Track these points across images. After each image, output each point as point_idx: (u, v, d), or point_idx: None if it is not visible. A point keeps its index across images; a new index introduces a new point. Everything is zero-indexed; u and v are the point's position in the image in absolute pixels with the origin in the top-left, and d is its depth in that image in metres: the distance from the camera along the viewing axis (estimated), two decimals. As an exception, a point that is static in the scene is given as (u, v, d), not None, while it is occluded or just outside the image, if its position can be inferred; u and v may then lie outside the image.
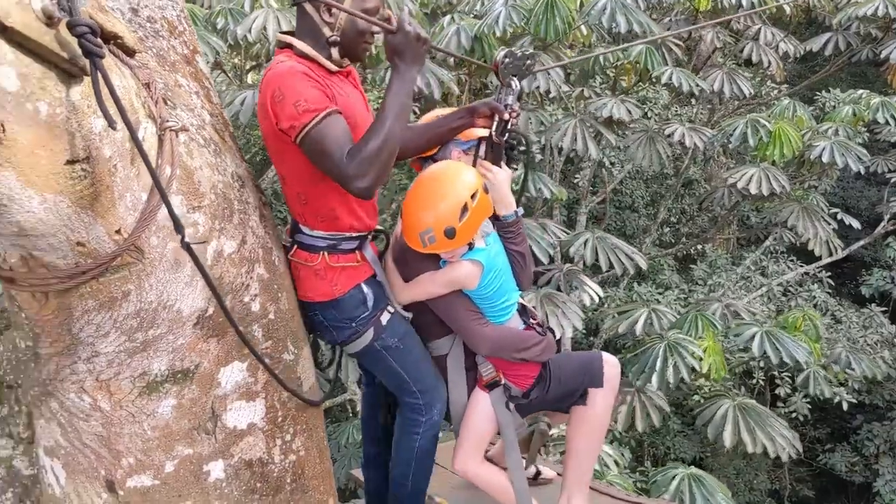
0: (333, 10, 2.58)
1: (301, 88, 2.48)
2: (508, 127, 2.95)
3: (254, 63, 9.64)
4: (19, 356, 2.51)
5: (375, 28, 2.60)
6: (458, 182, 2.80)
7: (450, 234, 2.75)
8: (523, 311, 3.15)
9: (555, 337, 3.20)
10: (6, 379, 2.68)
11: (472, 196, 2.77)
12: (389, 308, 2.90)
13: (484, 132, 3.00)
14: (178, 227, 2.07)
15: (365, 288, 2.83)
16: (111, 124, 1.80)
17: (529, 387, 3.13)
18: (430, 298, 2.96)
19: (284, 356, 2.70)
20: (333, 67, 2.66)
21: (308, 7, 2.62)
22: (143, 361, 2.32)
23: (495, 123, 2.94)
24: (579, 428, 3.18)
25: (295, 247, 2.82)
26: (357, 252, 2.83)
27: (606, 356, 3.19)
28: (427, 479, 3.21)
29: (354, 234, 2.80)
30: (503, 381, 3.09)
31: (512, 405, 3.11)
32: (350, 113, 2.58)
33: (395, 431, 3.16)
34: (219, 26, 7.20)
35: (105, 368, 2.30)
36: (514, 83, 2.97)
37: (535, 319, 3.17)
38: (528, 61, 3.00)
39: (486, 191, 2.83)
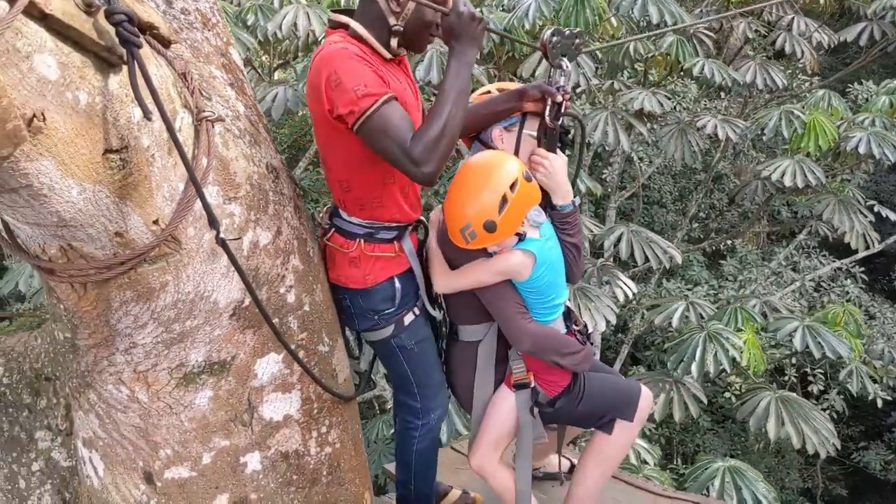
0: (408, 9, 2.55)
1: (360, 72, 2.42)
2: (562, 110, 2.80)
3: (281, 61, 9.67)
4: (57, 348, 2.52)
5: (438, 19, 2.56)
6: (495, 173, 2.67)
7: (490, 227, 2.63)
8: (567, 315, 3.04)
9: (591, 341, 3.11)
10: (44, 371, 2.70)
11: (512, 186, 2.63)
12: (415, 309, 2.87)
13: (528, 107, 2.89)
14: (213, 222, 2.05)
15: (397, 283, 2.79)
16: (147, 114, 1.79)
17: (558, 395, 3.00)
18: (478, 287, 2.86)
19: (320, 347, 2.69)
20: (388, 55, 2.61)
21: None
22: (180, 353, 2.33)
23: (548, 107, 2.80)
24: (596, 456, 3.07)
25: (332, 230, 2.79)
26: (395, 243, 2.78)
27: (645, 390, 3.07)
28: (430, 483, 3.16)
29: (394, 224, 2.76)
30: (533, 384, 2.98)
31: (536, 410, 3.00)
32: (402, 100, 2.51)
33: (396, 437, 3.14)
34: (249, 23, 7.23)
35: (143, 360, 2.30)
36: (565, 63, 2.81)
37: (577, 326, 3.06)
38: (577, 40, 2.85)
39: (527, 179, 2.68)
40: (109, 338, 2.25)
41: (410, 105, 2.63)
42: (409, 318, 2.85)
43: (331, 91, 2.43)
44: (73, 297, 2.15)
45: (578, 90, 8.90)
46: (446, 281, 2.86)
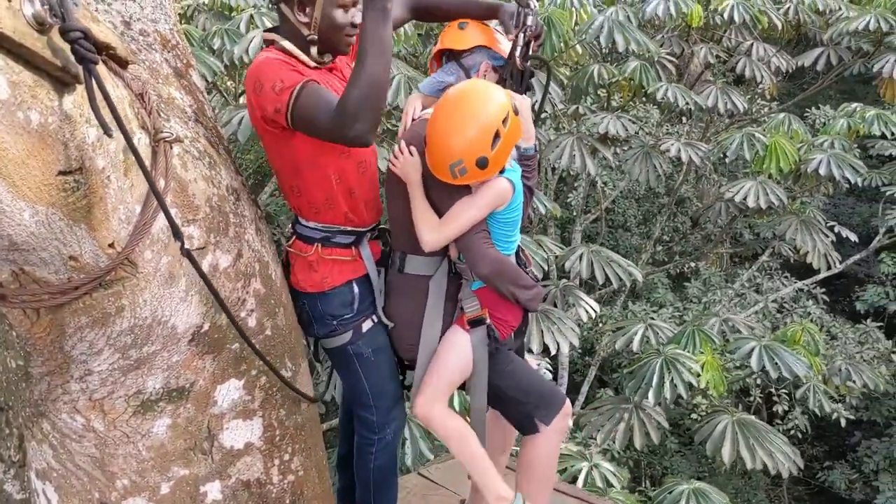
0: (307, 9, 2.57)
1: (276, 72, 2.48)
2: (529, 52, 2.72)
3: (246, 85, 9.62)
4: (10, 377, 2.44)
5: (354, 19, 2.57)
6: (488, 105, 2.54)
7: (482, 164, 2.53)
8: (518, 254, 2.92)
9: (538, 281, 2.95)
10: (-4, 400, 2.62)
11: (504, 121, 2.53)
12: (374, 317, 2.85)
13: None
14: (177, 234, 2.02)
15: (356, 288, 2.79)
16: (107, 131, 1.75)
17: (508, 337, 2.89)
18: (443, 206, 2.68)
19: (282, 372, 2.63)
20: (312, 63, 2.63)
21: (284, 8, 2.60)
22: (137, 380, 2.27)
23: (518, 48, 2.70)
24: (526, 472, 2.92)
25: (294, 237, 2.83)
26: (353, 248, 2.79)
27: (567, 404, 2.95)
28: (391, 500, 3.09)
29: (350, 228, 2.77)
30: (488, 321, 2.81)
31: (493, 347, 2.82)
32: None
33: (354, 454, 3.06)
34: (215, 47, 7.18)
35: (98, 387, 2.24)
36: (532, 2, 2.71)
37: (529, 266, 2.96)
38: None
39: (516, 113, 2.58)
40: (64, 365, 2.19)
41: None
42: (367, 325, 2.83)
43: (257, 97, 2.50)
44: (26, 323, 2.08)
45: (543, 116, 8.97)
46: (438, 235, 2.67)
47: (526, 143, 2.79)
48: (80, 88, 1.80)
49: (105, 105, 1.74)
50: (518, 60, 2.71)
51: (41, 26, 1.63)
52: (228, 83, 9.19)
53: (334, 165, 2.65)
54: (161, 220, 2.11)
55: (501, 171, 2.64)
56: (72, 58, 1.70)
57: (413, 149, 2.66)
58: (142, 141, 2.05)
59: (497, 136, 2.52)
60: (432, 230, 2.66)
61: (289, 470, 2.66)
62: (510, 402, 2.94)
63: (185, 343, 2.31)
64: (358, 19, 2.56)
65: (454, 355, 2.81)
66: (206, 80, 6.75)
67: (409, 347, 2.86)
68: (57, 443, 2.34)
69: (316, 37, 2.60)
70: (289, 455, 2.66)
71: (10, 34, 1.56)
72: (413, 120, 2.85)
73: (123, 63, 2.09)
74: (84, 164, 1.82)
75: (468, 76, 2.80)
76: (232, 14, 8.15)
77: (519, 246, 2.91)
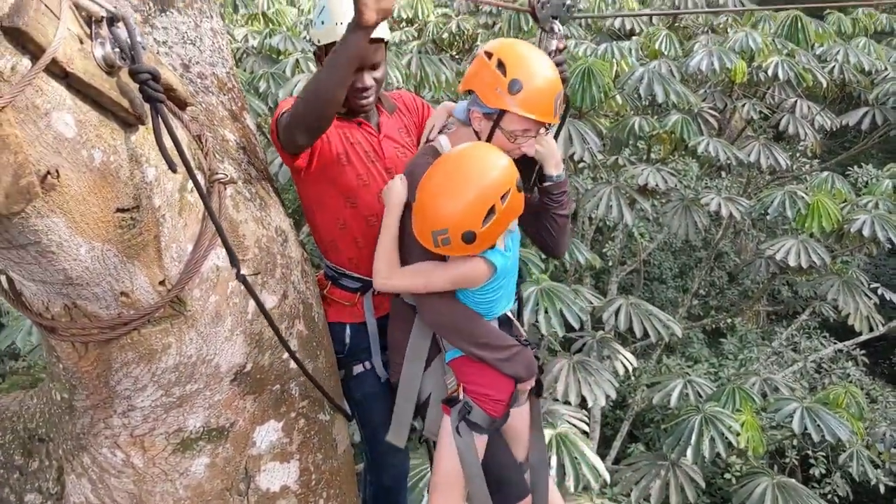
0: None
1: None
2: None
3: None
4: (53, 409, 2.46)
5: (365, 83, 2.65)
6: (488, 175, 2.27)
7: (468, 238, 2.27)
8: (507, 324, 2.64)
9: (533, 349, 2.63)
10: (38, 432, 2.63)
11: (503, 196, 2.27)
12: (367, 363, 2.88)
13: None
14: (234, 261, 2.05)
15: (348, 330, 2.86)
16: (171, 167, 1.80)
17: (500, 416, 2.57)
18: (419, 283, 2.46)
19: (320, 416, 2.63)
20: None
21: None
22: (178, 417, 2.27)
23: None
24: None
25: (322, 271, 2.95)
26: (356, 294, 2.85)
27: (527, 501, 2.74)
28: None
29: (356, 275, 2.81)
30: (462, 398, 2.51)
31: (465, 428, 2.53)
32: (346, 150, 2.72)
33: None
34: (261, 89, 7.33)
35: (140, 423, 2.25)
36: (557, 27, 2.58)
37: (518, 334, 2.66)
38: (569, 1, 2.60)
39: (519, 189, 2.32)
40: (108, 399, 2.20)
41: (356, 155, 2.74)
42: (357, 369, 2.88)
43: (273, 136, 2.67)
44: (74, 356, 2.10)
45: (581, 165, 8.99)
46: (387, 279, 2.47)
47: (556, 170, 2.59)
48: (143, 129, 1.84)
49: (171, 143, 1.78)
50: None
51: (110, 68, 1.68)
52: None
53: (339, 212, 2.76)
54: (210, 260, 2.14)
55: (491, 248, 2.39)
56: (137, 99, 1.75)
57: (403, 179, 2.50)
58: (198, 182, 2.08)
59: (492, 211, 2.25)
60: (385, 270, 2.47)
61: (323, 515, 2.64)
62: (498, 487, 2.68)
63: (228, 382, 2.31)
64: (366, 83, 2.65)
65: (444, 460, 2.56)
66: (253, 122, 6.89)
67: (395, 373, 2.68)
68: (96, 477, 2.35)
69: None
70: (323, 500, 2.63)
71: (81, 75, 1.60)
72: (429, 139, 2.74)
73: (183, 105, 2.14)
74: (141, 202, 1.86)
75: (466, 124, 2.62)
76: (279, 58, 8.33)
77: (508, 315, 2.65)
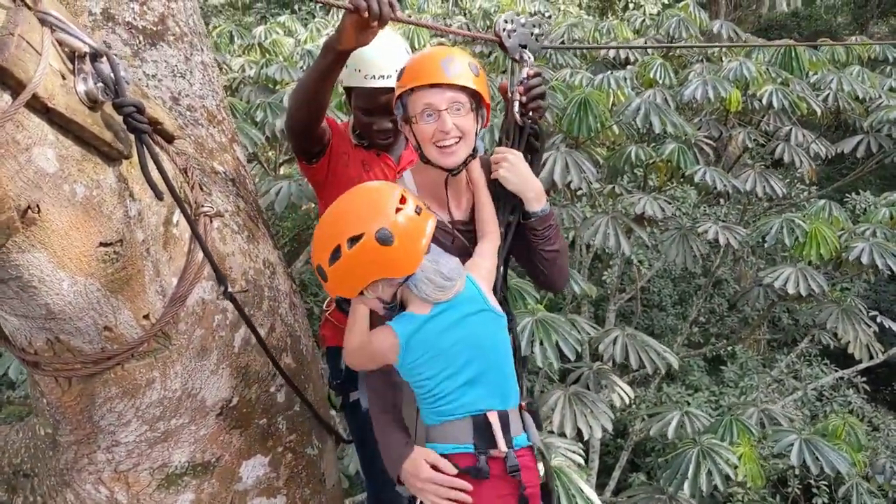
0: (352, 101, 2.86)
1: None
2: (527, 108, 2.39)
3: (287, 156, 9.82)
4: (38, 444, 2.44)
5: (382, 126, 2.83)
6: (348, 215, 2.02)
7: (320, 272, 2.03)
8: (483, 430, 2.11)
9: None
10: (23, 468, 2.60)
11: (353, 240, 1.95)
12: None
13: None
14: (221, 280, 2.05)
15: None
16: (158, 195, 1.81)
17: None
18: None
19: (308, 450, 2.60)
20: (354, 141, 2.94)
21: None
22: (163, 452, 2.25)
23: (514, 102, 2.39)
24: None
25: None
26: None
27: None
28: None
29: None
30: None
31: None
32: (360, 177, 2.83)
33: None
34: (258, 119, 7.35)
35: (124, 459, 2.22)
36: (526, 56, 2.45)
37: (496, 452, 2.11)
38: (535, 29, 2.48)
39: (382, 242, 1.93)
40: (91, 435, 2.18)
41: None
42: (354, 396, 2.87)
43: None
44: (57, 391, 2.08)
45: (579, 193, 8.99)
46: (351, 356, 2.24)
47: (537, 205, 2.35)
48: (126, 163, 1.84)
49: (157, 172, 1.79)
50: (517, 116, 2.40)
51: (93, 103, 1.67)
52: (269, 154, 9.38)
53: None
54: (196, 294, 2.12)
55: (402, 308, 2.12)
56: (120, 133, 1.75)
57: None
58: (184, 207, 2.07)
59: (336, 252, 1.96)
60: (351, 356, 2.24)
61: (311, 551, 2.60)
62: None
63: (214, 417, 2.29)
64: (383, 126, 2.83)
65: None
66: (248, 151, 6.90)
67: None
68: (79, 514, 2.31)
69: (355, 124, 2.94)
70: (312, 536, 2.60)
71: (62, 110, 1.60)
72: None
73: (170, 138, 2.14)
74: (125, 236, 1.85)
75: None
76: (276, 88, 8.37)
77: (488, 420, 2.12)
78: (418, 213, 2.00)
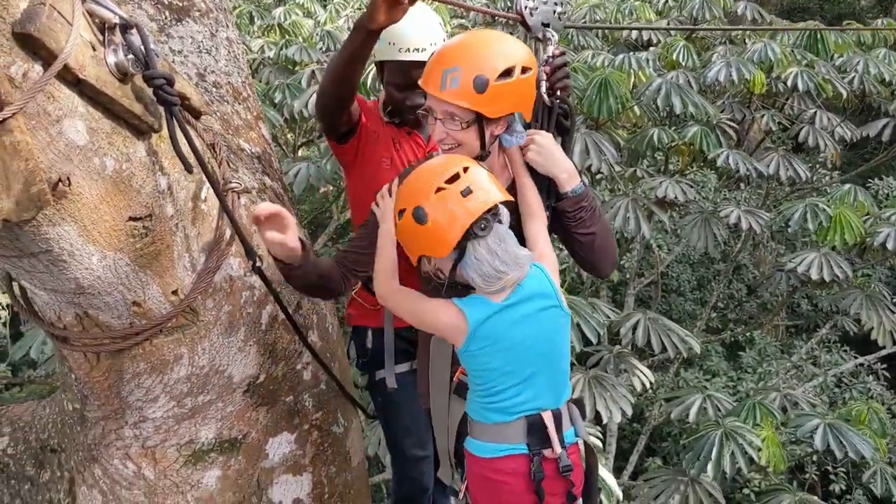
0: (385, 76, 2.78)
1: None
2: (556, 87, 2.31)
3: (306, 138, 9.82)
4: (65, 419, 2.45)
5: (415, 101, 2.63)
6: (407, 184, 2.02)
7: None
8: (537, 430, 2.03)
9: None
10: (51, 443, 2.61)
11: (401, 212, 1.96)
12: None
13: None
14: (251, 253, 2.04)
15: (370, 334, 2.82)
16: (188, 168, 1.79)
17: None
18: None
19: (334, 428, 2.59)
20: (384, 119, 2.84)
21: None
22: (190, 429, 2.25)
23: (542, 83, 2.27)
24: None
25: None
26: None
27: None
28: None
29: None
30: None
31: None
32: (391, 155, 2.79)
33: None
34: (276, 101, 7.34)
35: (152, 434, 2.22)
36: (550, 34, 2.38)
37: (549, 453, 2.04)
38: (558, 7, 2.41)
39: (420, 221, 1.91)
40: (119, 410, 2.18)
41: (403, 164, 2.76)
42: (379, 374, 2.82)
43: None
44: (86, 366, 2.08)
45: (598, 177, 8.92)
46: (385, 298, 2.13)
47: (569, 185, 2.22)
48: (155, 137, 1.83)
49: (187, 145, 1.77)
50: (544, 97, 2.29)
51: (123, 75, 1.66)
52: (288, 135, 9.38)
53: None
54: (224, 270, 2.11)
55: (466, 292, 2.02)
56: (150, 106, 1.74)
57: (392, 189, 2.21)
58: (211, 190, 2.06)
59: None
60: (385, 285, 2.12)
61: (336, 529, 2.60)
62: None
63: (241, 394, 2.28)
64: (416, 101, 2.62)
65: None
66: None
67: (424, 401, 2.39)
68: (107, 489, 2.32)
69: (387, 100, 2.83)
70: (336, 514, 2.60)
71: (93, 82, 1.59)
72: None
73: (197, 114, 2.12)
74: (154, 210, 1.84)
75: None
76: (296, 69, 8.35)
77: (542, 420, 2.05)
78: (465, 195, 1.90)
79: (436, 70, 2.07)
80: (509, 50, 2.08)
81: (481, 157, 2.17)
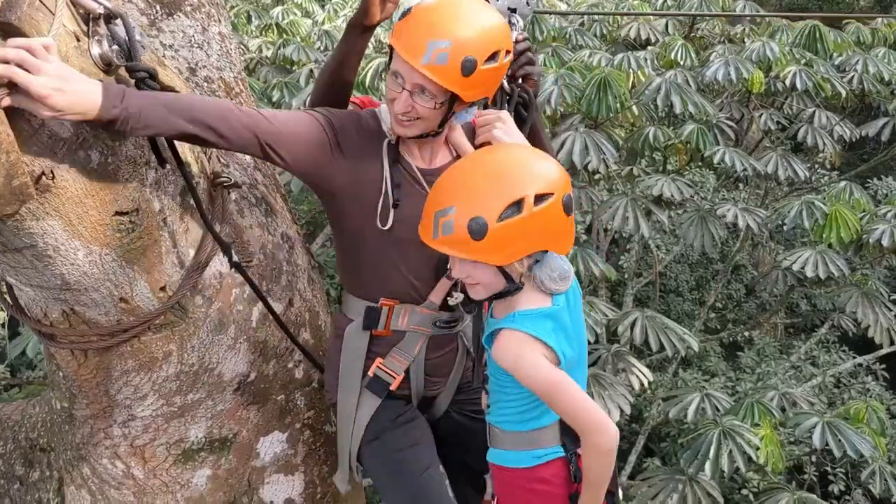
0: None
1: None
2: (516, 74, 2.25)
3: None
4: (54, 418, 2.42)
5: (398, 109, 2.17)
6: (528, 169, 1.83)
7: (477, 231, 1.73)
8: (570, 430, 1.89)
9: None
10: (40, 442, 2.59)
11: (540, 197, 1.75)
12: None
13: None
14: (225, 249, 2.01)
15: None
16: (161, 163, 1.80)
17: None
18: None
19: (326, 427, 2.57)
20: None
21: None
22: (180, 427, 2.22)
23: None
24: None
25: None
26: None
27: None
28: None
29: None
30: None
31: None
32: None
33: None
34: (274, 98, 7.31)
35: (141, 433, 2.20)
36: (516, 19, 2.29)
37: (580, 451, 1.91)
38: None
39: (566, 208, 1.80)
40: (108, 409, 2.15)
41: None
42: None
43: None
44: (73, 364, 2.06)
45: (596, 176, 8.89)
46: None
47: None
48: (142, 130, 1.79)
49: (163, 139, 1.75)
50: (503, 81, 2.21)
51: (107, 66, 1.63)
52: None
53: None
54: (213, 266, 2.08)
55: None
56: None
57: None
58: (200, 185, 2.03)
59: (518, 205, 1.75)
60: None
61: (328, 529, 2.57)
62: None
63: (231, 392, 2.26)
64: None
65: None
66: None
67: (329, 393, 2.28)
68: (96, 488, 2.29)
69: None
70: (329, 514, 2.57)
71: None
72: None
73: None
74: (140, 205, 1.81)
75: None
76: (293, 68, 8.32)
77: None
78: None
79: (420, 39, 1.92)
80: (496, 28, 1.97)
81: (432, 134, 2.09)
